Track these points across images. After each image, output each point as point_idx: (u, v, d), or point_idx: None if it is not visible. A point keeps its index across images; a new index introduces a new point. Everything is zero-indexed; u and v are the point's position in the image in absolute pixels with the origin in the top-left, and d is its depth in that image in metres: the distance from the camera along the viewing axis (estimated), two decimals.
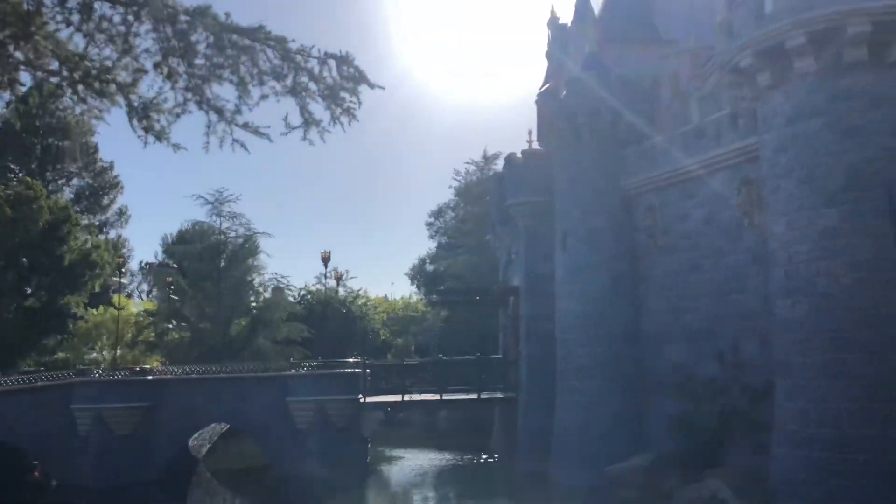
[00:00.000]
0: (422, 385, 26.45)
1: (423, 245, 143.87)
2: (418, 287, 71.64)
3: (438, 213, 65.38)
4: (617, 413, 21.77)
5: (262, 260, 40.04)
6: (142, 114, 6.19)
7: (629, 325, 22.33)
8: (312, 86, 6.20)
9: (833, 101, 16.20)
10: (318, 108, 6.39)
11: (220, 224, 38.69)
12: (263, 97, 6.20)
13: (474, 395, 26.47)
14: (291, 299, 47.00)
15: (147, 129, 6.22)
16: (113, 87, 5.97)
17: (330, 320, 54.83)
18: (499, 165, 56.88)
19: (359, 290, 61.34)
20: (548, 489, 21.80)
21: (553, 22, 32.78)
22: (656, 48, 30.10)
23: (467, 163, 61.06)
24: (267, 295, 42.23)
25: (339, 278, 40.67)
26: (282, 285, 42.64)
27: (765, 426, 17.99)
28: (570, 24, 29.71)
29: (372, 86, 6.42)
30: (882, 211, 15.58)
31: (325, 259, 33.44)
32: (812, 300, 15.96)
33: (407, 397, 25.82)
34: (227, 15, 5.93)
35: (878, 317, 15.19)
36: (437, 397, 25.99)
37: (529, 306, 25.89)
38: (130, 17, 5.76)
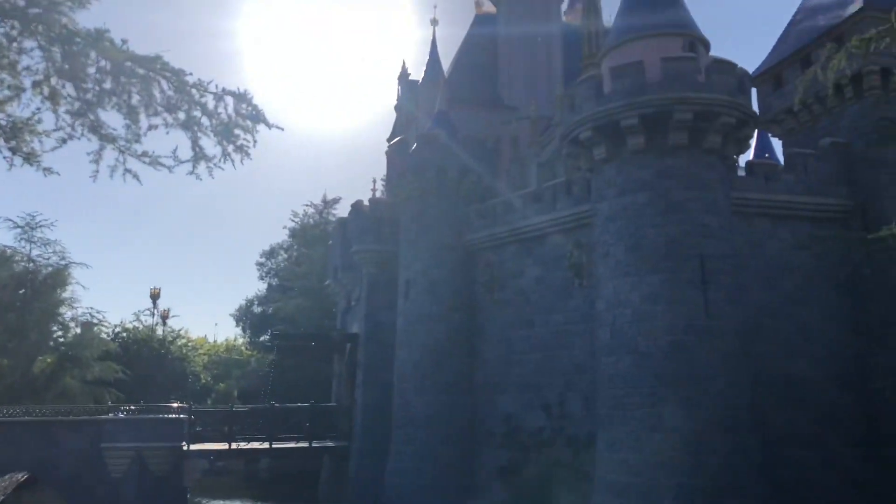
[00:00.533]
0: (250, 432, 25.40)
1: (253, 285, 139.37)
2: (244, 329, 69.17)
3: (271, 254, 63.90)
4: (449, 463, 22.12)
5: (75, 292, 36.82)
6: (10, 133, 5.75)
7: (464, 376, 22.94)
8: (206, 120, 6.09)
9: (658, 178, 17.96)
10: (210, 143, 6.27)
11: (30, 251, 35.41)
12: (152, 128, 5.99)
13: (306, 444, 25.82)
14: (105, 336, 43.58)
15: (14, 150, 5.78)
16: None
17: (146, 361, 51.40)
18: (339, 210, 57.01)
19: (180, 330, 58.30)
20: None
21: (404, 77, 33.81)
22: (499, 112, 31.97)
23: (306, 205, 60.63)
24: (78, 330, 38.89)
25: (165, 317, 38.25)
26: (94, 321, 39.46)
27: (587, 476, 19.11)
28: (420, 82, 30.76)
29: (270, 126, 6.41)
30: (695, 280, 17.36)
31: (155, 296, 31.56)
32: (634, 358, 17.33)
33: (234, 445, 24.68)
34: (124, 41, 5.72)
35: (690, 376, 16.77)
36: (266, 445, 25.06)
37: (368, 354, 25.90)
38: (14, 32, 5.39)
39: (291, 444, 25.75)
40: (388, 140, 33.81)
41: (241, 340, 71.42)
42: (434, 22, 30.67)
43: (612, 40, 19.85)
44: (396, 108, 34.66)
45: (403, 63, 33.66)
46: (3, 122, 5.72)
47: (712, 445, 16.36)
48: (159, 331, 57.80)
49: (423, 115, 28.59)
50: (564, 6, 38.60)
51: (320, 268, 52.84)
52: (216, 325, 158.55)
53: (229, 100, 6.20)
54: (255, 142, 6.36)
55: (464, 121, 28.08)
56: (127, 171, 5.97)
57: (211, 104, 6.09)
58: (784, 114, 23.41)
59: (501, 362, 22.42)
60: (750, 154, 25.12)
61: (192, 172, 6.20)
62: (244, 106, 6.18)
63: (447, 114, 26.02)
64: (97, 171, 5.90)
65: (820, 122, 22.34)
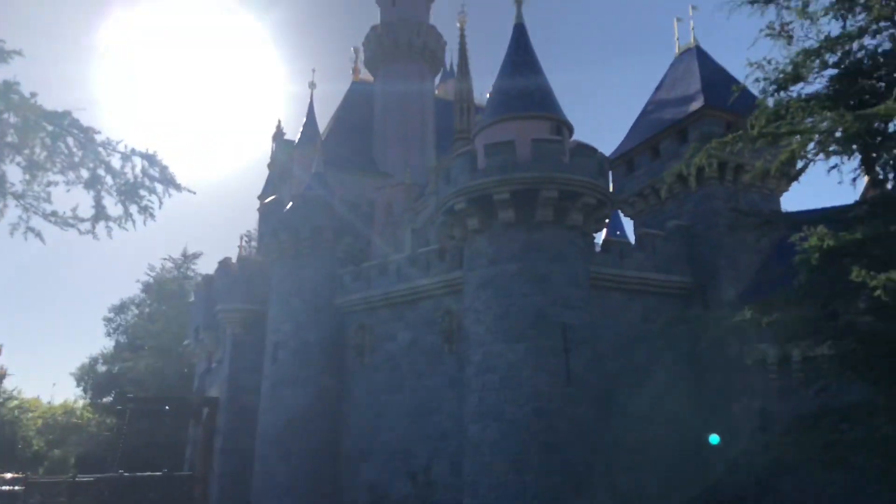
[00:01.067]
0: None
1: (98, 343, 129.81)
2: (85, 390, 64.35)
3: (121, 309, 60.18)
4: None
5: None
6: None
7: (330, 443, 22.63)
8: (110, 179, 6.09)
9: (526, 250, 19.01)
10: (112, 202, 6.24)
11: None
12: (52, 184, 5.92)
13: None
14: None
15: None
16: None
17: None
18: (199, 265, 55.00)
19: (12, 391, 53.47)
20: None
21: (279, 136, 33.84)
22: (373, 177, 32.62)
23: (164, 258, 58.05)
24: None
25: (2, 376, 35.02)
26: None
27: None
28: (296, 142, 30.92)
29: (180, 189, 6.48)
30: (558, 350, 18.33)
31: None
32: (500, 425, 17.89)
33: None
34: (34, 94, 5.68)
35: (552, 443, 17.51)
36: None
37: (229, 419, 24.98)
38: None
39: None
40: (260, 197, 33.49)
41: (81, 402, 66.34)
42: (312, 85, 31.11)
43: (487, 118, 21.06)
44: (270, 165, 34.51)
45: (279, 122, 33.79)
46: None
47: None
48: None
49: (299, 174, 28.67)
50: (437, 80, 40.30)
51: (177, 326, 50.43)
52: (54, 385, 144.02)
53: (137, 160, 6.24)
54: (160, 203, 6.41)
55: (339, 183, 28.43)
56: (30, 229, 5.84)
57: (117, 163, 6.11)
58: (635, 196, 25.46)
59: (369, 428, 22.36)
60: (604, 231, 27.04)
61: (90, 232, 6.13)
62: (153, 168, 6.24)
63: (324, 175, 26.27)
64: None
65: (666, 206, 24.47)
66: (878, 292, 7.27)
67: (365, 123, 35.31)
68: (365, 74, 38.58)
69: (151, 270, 57.13)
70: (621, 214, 28.35)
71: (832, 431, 8.26)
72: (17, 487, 22.65)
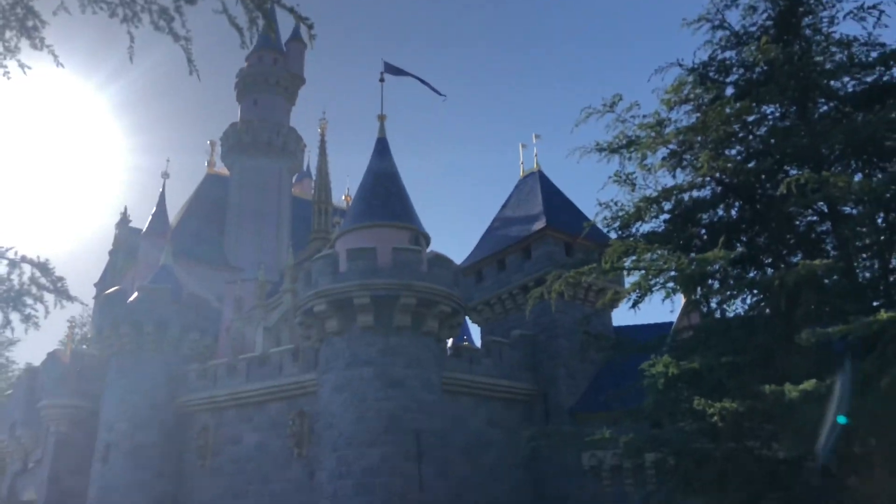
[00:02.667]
0: None
1: None
2: None
3: None
4: None
5: None
6: None
7: None
8: None
9: (382, 354, 19.50)
10: None
11: None
12: None
13: None
14: None
15: None
16: None
17: None
18: (14, 353, 50.05)
19: None
20: None
21: (124, 223, 32.60)
22: (224, 272, 32.04)
23: None
24: None
25: None
26: None
27: None
28: (143, 231, 29.96)
29: (72, 300, 6.49)
30: (412, 454, 18.68)
31: None
32: None
33: None
34: None
35: None
36: None
37: None
38: None
39: None
40: (97, 285, 31.77)
41: None
42: (165, 175, 30.57)
43: (348, 224, 21.77)
44: (112, 252, 32.98)
45: (125, 209, 32.62)
46: None
47: None
48: None
49: (144, 265, 27.69)
50: (294, 179, 40.79)
51: None
52: None
53: (26, 267, 6.25)
54: (47, 312, 6.41)
55: (188, 275, 27.67)
56: None
57: (3, 270, 6.10)
58: (482, 304, 26.86)
59: None
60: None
61: None
62: (45, 277, 6.26)
63: (172, 269, 25.57)
64: None
65: (511, 314, 26.01)
66: (714, 418, 8.50)
67: (218, 216, 34.87)
68: (220, 167, 38.37)
69: None
70: (469, 321, 29.62)
71: None
72: None
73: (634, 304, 11.51)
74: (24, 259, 6.26)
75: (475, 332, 29.94)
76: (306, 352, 21.76)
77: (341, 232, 21.81)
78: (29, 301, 6.25)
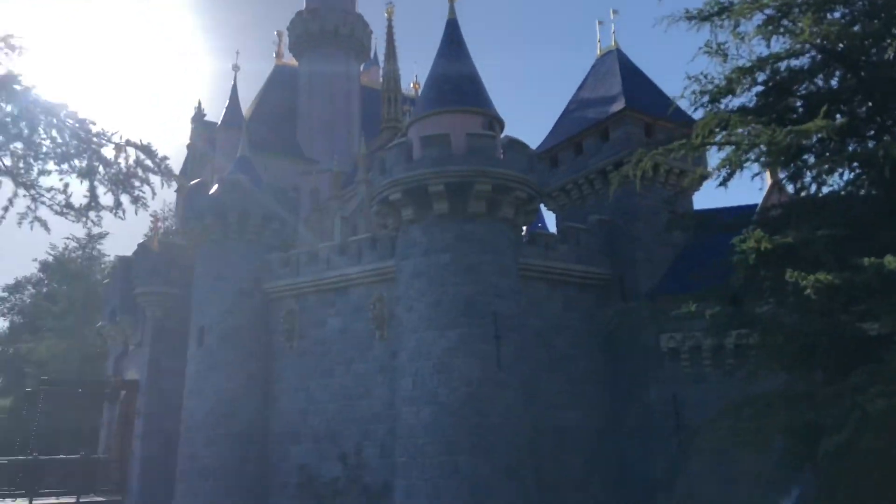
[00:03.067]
0: (6, 488, 22.78)
1: None
2: None
3: (16, 288, 57.19)
4: None
5: None
6: None
7: (258, 426, 22.65)
8: (102, 169, 6.20)
9: (458, 241, 19.61)
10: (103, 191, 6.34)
11: None
12: (43, 173, 5.99)
13: (72, 500, 23.67)
14: None
15: None
16: None
17: None
18: (105, 245, 52.94)
19: None
20: None
21: (199, 117, 33.09)
22: (298, 163, 32.43)
23: (67, 238, 55.57)
24: None
25: None
26: None
27: None
28: (218, 124, 30.34)
29: (175, 177, 6.62)
30: (489, 337, 19.06)
31: None
32: (433, 408, 18.50)
33: None
34: (33, 86, 5.74)
35: (483, 426, 18.26)
36: (25, 502, 22.59)
37: (149, 402, 24.51)
38: None
39: (55, 500, 23.45)
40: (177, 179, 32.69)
41: None
42: (236, 67, 30.56)
43: (420, 110, 21.47)
44: (189, 146, 33.73)
45: (199, 103, 33.00)
46: None
47: (500, 490, 17.87)
48: None
49: (221, 157, 28.23)
50: (362, 68, 40.23)
51: (80, 307, 48.66)
52: None
53: (131, 150, 6.38)
54: (153, 193, 6.57)
55: (263, 168, 28.15)
56: (37, 219, 5.91)
57: (111, 154, 6.23)
58: (558, 190, 26.49)
59: (298, 412, 22.49)
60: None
61: (84, 219, 6.25)
62: (149, 158, 6.38)
63: (249, 160, 25.99)
64: (3, 218, 5.79)
65: (588, 200, 25.63)
66: (807, 291, 8.23)
67: (289, 108, 34.96)
68: (288, 58, 38.11)
69: (53, 249, 54.70)
70: (543, 207, 29.36)
71: (760, 417, 9.20)
72: None
73: (723, 182, 11.06)
74: (128, 143, 6.38)
75: (549, 218, 29.66)
76: (384, 239, 22.09)
77: (413, 119, 21.55)
78: (136, 183, 6.42)
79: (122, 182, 6.31)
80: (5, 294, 56.50)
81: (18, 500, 22.77)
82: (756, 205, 24.97)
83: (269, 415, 22.90)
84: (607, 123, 24.76)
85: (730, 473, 21.05)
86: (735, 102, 11.53)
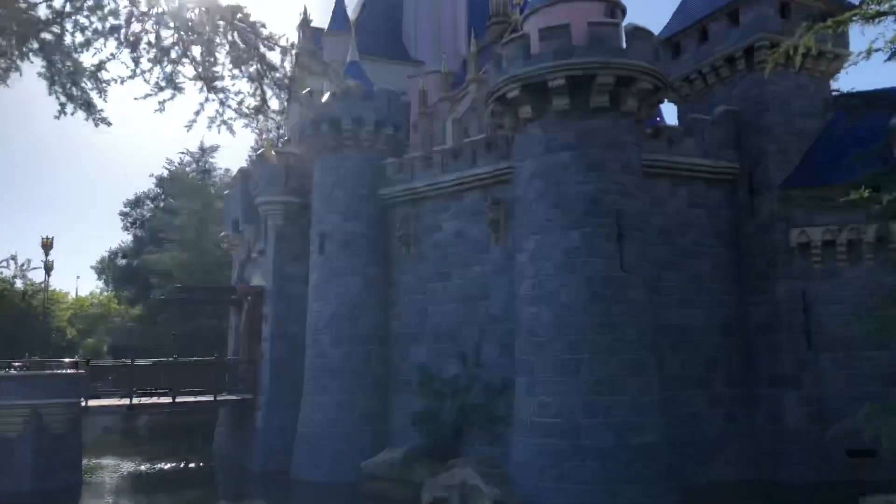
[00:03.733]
0: (152, 387, 24.68)
1: (115, 237, 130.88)
2: (106, 282, 65.66)
3: (136, 203, 60.44)
4: (366, 411, 22.59)
5: None
6: (68, 79, 5.49)
7: (379, 328, 23.33)
8: (269, 74, 6.09)
9: (580, 138, 18.89)
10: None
11: None
12: (219, 78, 5.93)
13: (210, 398, 25.41)
14: None
15: (72, 98, 5.54)
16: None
17: (5, 317, 47.88)
18: (217, 158, 54.68)
19: (40, 283, 54.50)
20: (293, 487, 21.79)
21: (305, 24, 32.87)
22: (405, 65, 31.91)
23: (182, 153, 57.86)
24: None
25: (49, 268, 35.56)
26: None
27: (501, 419, 20.24)
28: (325, 30, 30.04)
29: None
30: (612, 236, 18.55)
31: (47, 246, 29.22)
32: (554, 309, 18.37)
33: (136, 400, 23.91)
34: None
35: (606, 325, 18.04)
36: (169, 400, 24.42)
37: (276, 307, 25.60)
38: None
39: (194, 399, 25.23)
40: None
41: (105, 294, 67.74)
42: None
43: (536, 1, 20.40)
44: (297, 54, 33.71)
45: (305, 9, 32.70)
46: (61, 65, 5.44)
47: (624, 387, 17.77)
48: (18, 284, 54.00)
49: (333, 64, 28.02)
50: None
51: (197, 220, 50.96)
52: (78, 277, 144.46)
53: (292, 53, 6.23)
54: (311, 93, 6.41)
55: (371, 72, 27.84)
56: (224, 122, 5.91)
57: (277, 58, 6.09)
58: (680, 80, 24.97)
59: (417, 314, 22.96)
60: None
61: (253, 122, 6.20)
62: (310, 60, 6.21)
63: (360, 65, 25.73)
64: (195, 122, 5.85)
65: (712, 91, 24.09)
66: None
67: (393, 9, 34.19)
68: None
69: (170, 164, 57.14)
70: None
71: None
72: (80, 371, 23.59)
73: (893, 56, 9.91)
74: (293, 46, 6.28)
75: (668, 111, 28.21)
76: (498, 140, 21.61)
77: (529, 11, 20.52)
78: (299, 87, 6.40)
79: (288, 86, 6.19)
80: (127, 209, 59.96)
81: (163, 397, 24.60)
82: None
83: (389, 317, 23.49)
84: (737, 5, 22.88)
85: (861, 372, 20.29)
86: None
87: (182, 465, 28.16)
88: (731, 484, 19.76)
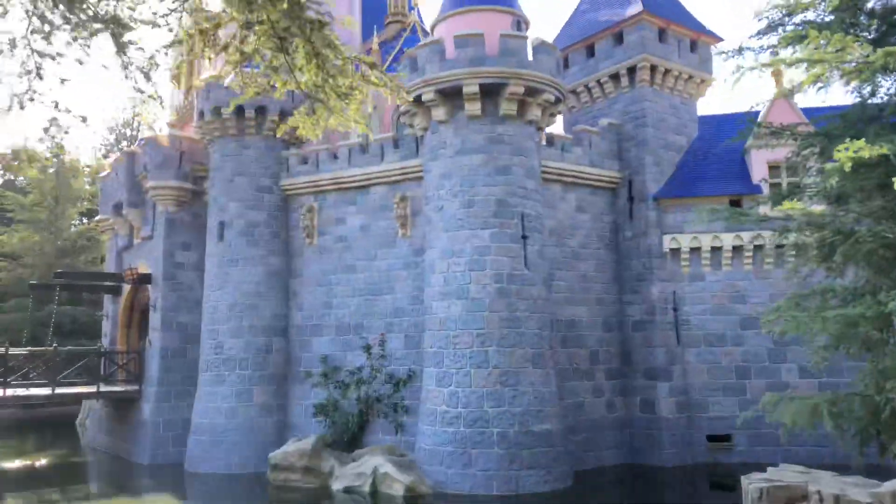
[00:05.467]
0: (27, 378, 23.28)
1: None
2: None
3: None
4: (263, 402, 22.60)
5: None
6: None
7: (280, 318, 23.38)
8: None
9: (490, 142, 20.08)
10: None
11: None
12: None
13: (92, 388, 24.31)
14: None
15: None
16: None
17: None
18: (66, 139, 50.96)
19: None
20: (195, 479, 21.44)
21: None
22: None
23: (46, 126, 53.64)
24: None
25: None
26: None
27: (405, 408, 21.11)
28: None
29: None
30: (517, 236, 19.91)
31: None
32: (464, 303, 19.47)
33: (10, 392, 22.47)
34: None
35: (511, 319, 19.37)
36: (48, 391, 23.12)
37: (166, 295, 24.83)
38: None
39: (76, 390, 24.07)
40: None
41: None
42: None
43: (447, 7, 21.32)
44: None
45: None
46: None
47: (527, 378, 19.19)
48: None
49: None
50: None
51: (51, 199, 47.76)
52: None
53: None
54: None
55: None
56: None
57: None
58: (568, 93, 26.78)
59: (320, 306, 23.24)
60: None
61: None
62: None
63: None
64: None
65: (597, 103, 26.11)
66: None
67: None
68: None
69: (26, 139, 52.90)
70: None
71: (821, 309, 10.33)
72: None
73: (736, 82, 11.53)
74: None
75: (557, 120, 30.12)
76: (407, 139, 22.34)
77: (441, 16, 21.41)
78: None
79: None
80: None
81: (42, 389, 23.28)
82: (753, 112, 25.94)
83: (291, 308, 23.60)
84: (622, 26, 24.96)
85: (718, 361, 22.96)
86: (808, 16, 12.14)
87: (54, 461, 26.59)
88: (612, 468, 21.74)
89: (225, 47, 6.54)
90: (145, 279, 25.49)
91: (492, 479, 18.28)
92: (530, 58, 20.14)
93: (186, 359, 24.43)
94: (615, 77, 25.24)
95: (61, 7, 5.74)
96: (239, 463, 21.78)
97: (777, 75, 23.77)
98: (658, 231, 23.77)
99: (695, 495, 19.77)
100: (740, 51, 12.33)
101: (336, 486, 19.06)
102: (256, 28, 6.16)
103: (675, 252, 23.70)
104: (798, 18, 12.76)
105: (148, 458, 23.45)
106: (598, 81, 25.69)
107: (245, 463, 21.76)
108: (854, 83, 10.78)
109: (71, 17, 5.79)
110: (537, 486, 18.38)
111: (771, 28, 12.89)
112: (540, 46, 20.46)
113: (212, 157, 24.46)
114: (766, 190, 22.33)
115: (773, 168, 23.25)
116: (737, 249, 23.44)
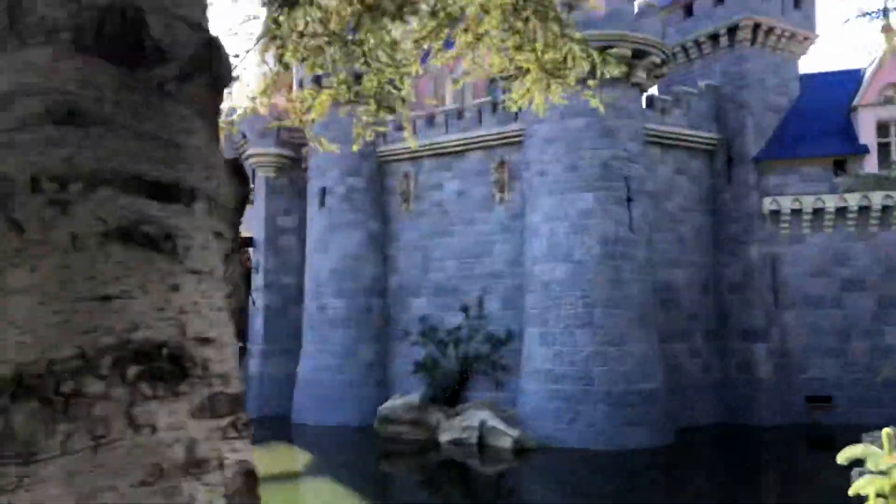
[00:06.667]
0: None
1: None
2: None
3: None
4: (368, 360, 23.42)
5: None
6: None
7: (380, 281, 24.06)
8: None
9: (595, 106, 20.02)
10: None
11: None
12: None
13: None
14: None
15: None
16: None
17: None
18: None
19: None
20: (306, 430, 22.47)
21: None
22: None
23: None
24: None
25: None
26: None
27: (504, 367, 21.61)
28: None
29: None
30: (622, 199, 19.99)
31: None
32: (568, 266, 19.73)
33: None
34: None
35: (616, 281, 19.57)
36: None
37: (270, 258, 25.83)
38: None
39: None
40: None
41: None
42: None
43: None
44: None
45: None
46: None
47: (631, 338, 19.43)
48: None
49: None
50: None
51: None
52: None
53: None
54: None
55: None
56: None
57: None
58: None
59: (417, 269, 23.79)
60: None
61: None
62: None
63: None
64: None
65: (694, 65, 25.70)
66: None
67: None
68: None
69: None
70: None
71: None
72: None
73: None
74: None
75: None
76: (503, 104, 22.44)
77: None
78: None
79: None
80: None
81: None
82: (858, 70, 25.24)
83: (389, 271, 24.23)
84: None
85: (819, 324, 22.74)
86: None
87: None
88: (709, 427, 21.92)
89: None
90: (247, 242, 26.45)
91: (598, 435, 18.69)
92: (637, 20, 19.97)
93: (287, 318, 25.38)
94: (713, 37, 24.78)
95: None
96: (344, 416, 22.69)
97: (888, 31, 22.97)
98: (757, 193, 23.48)
99: (795, 454, 19.85)
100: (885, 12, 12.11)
101: (443, 438, 19.76)
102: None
103: (775, 214, 23.40)
104: None
105: (256, 410, 24.62)
106: (696, 41, 25.26)
107: (349, 416, 22.65)
108: None
109: None
110: (641, 441, 18.72)
111: None
112: (646, 8, 20.26)
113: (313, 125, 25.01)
114: (874, 150, 21.82)
115: (882, 127, 22.65)
116: (840, 211, 22.98)
